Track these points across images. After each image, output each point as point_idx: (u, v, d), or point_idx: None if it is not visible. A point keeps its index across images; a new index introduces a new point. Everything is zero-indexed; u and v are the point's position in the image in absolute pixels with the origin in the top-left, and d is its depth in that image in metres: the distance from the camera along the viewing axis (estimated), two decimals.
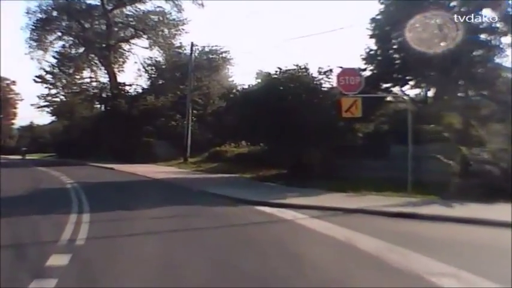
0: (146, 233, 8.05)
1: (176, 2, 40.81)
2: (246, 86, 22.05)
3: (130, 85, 41.08)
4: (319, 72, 17.79)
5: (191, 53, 33.51)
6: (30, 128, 62.84)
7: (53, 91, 47.03)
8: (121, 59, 43.79)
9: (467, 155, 12.59)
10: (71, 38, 43.49)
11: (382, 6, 18.01)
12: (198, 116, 34.45)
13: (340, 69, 14.32)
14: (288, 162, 17.97)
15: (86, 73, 45.14)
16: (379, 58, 18.20)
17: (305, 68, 18.10)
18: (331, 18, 70.18)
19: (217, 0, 64.83)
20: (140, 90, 39.85)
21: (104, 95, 42.65)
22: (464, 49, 15.94)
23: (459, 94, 17.67)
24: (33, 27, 42.03)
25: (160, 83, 40.11)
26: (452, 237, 7.67)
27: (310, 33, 76.62)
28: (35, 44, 42.50)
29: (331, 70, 17.49)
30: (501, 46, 16.71)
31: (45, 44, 42.95)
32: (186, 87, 33.22)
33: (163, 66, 40.74)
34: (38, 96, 48.11)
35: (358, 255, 6.45)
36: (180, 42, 40.51)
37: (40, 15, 41.85)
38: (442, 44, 15.98)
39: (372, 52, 18.31)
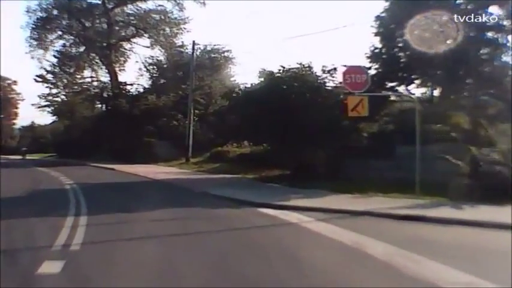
0: (145, 237, 7.76)
1: (178, 0, 40.57)
2: (249, 85, 21.78)
3: (131, 84, 40.82)
4: (323, 71, 17.50)
5: (193, 52, 33.35)
6: (32, 128, 62.36)
7: (54, 91, 46.73)
8: (122, 58, 43.50)
9: (477, 155, 12.25)
10: (72, 37, 43.15)
11: (387, 3, 17.76)
12: (200, 116, 34.19)
13: (346, 67, 13.98)
14: (291, 162, 17.67)
15: (87, 72, 44.83)
16: (384, 56, 18.02)
17: (309, 66, 17.77)
18: (331, 18, 70.21)
19: (217, 0, 64.38)
20: (141, 90, 39.60)
21: (105, 94, 42.33)
22: (470, 47, 15.71)
23: (466, 93, 17.40)
24: (34, 26, 41.71)
25: (161, 82, 39.86)
26: (465, 241, 7.43)
27: (312, 32, 76.24)
28: (35, 43, 42.17)
29: (335, 69, 17.24)
30: (508, 44, 16.53)
31: (46, 43, 42.65)
32: (188, 86, 32.94)
33: (165, 66, 40.44)
34: (39, 96, 47.76)
35: (366, 260, 6.20)
36: (182, 41, 40.20)
37: (40, 14, 41.58)
38: (448, 42, 15.73)
39: (376, 50, 18.15)
